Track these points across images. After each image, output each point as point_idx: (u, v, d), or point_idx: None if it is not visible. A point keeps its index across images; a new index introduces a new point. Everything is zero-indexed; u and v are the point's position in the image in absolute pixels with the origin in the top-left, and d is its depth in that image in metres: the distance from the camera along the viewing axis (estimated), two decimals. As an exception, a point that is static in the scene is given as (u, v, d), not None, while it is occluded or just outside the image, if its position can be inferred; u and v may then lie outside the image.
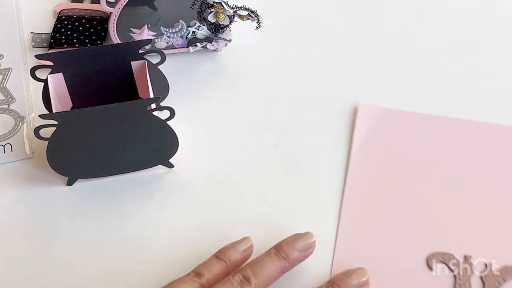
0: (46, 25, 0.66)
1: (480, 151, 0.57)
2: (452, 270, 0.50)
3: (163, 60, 0.56)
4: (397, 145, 0.58)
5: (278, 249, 0.49)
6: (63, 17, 0.66)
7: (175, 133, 0.54)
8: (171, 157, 0.56)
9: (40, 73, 0.54)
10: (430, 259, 0.51)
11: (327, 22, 0.68)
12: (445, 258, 0.51)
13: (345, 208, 0.54)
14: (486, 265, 0.51)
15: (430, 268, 0.51)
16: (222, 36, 0.62)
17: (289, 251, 0.48)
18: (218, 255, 0.49)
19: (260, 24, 0.60)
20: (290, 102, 0.61)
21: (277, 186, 0.55)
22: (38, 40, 0.65)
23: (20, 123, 0.59)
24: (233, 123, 0.60)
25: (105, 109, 0.51)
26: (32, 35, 0.65)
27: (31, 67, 0.54)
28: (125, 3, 0.59)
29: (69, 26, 0.65)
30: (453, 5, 0.70)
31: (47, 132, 0.52)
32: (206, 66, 0.64)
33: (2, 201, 0.56)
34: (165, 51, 0.57)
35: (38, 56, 0.54)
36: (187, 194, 0.55)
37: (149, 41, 0.56)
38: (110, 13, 0.60)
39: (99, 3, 0.60)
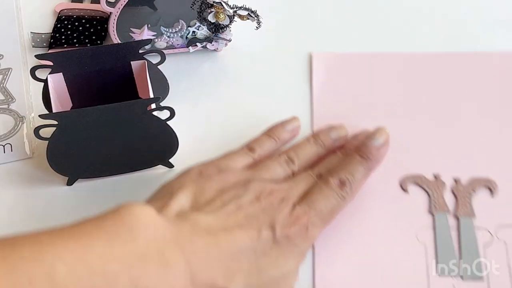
0: (46, 25, 0.66)
1: (438, 79, 0.61)
2: (425, 189, 0.54)
3: (163, 60, 0.56)
4: (356, 86, 0.61)
5: (316, 137, 0.54)
6: (63, 17, 0.66)
7: (175, 133, 0.54)
8: (171, 157, 0.56)
9: (40, 73, 0.54)
10: (404, 182, 0.55)
11: (327, 22, 0.67)
12: (417, 180, 0.55)
13: None
14: (455, 180, 0.55)
15: (405, 190, 0.54)
16: (222, 36, 0.62)
17: (325, 138, 0.54)
18: (269, 134, 0.54)
19: (260, 24, 0.60)
20: (289, 102, 0.61)
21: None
22: (38, 40, 0.65)
23: (20, 123, 0.59)
24: (233, 123, 0.60)
25: (105, 109, 0.51)
26: (32, 35, 0.65)
27: (31, 67, 0.54)
28: (125, 3, 0.59)
29: (69, 26, 0.65)
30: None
31: (47, 132, 0.52)
32: (206, 66, 0.63)
33: (2, 201, 0.56)
34: (165, 51, 0.57)
35: (38, 56, 0.54)
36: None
37: (149, 41, 0.56)
38: (110, 13, 0.60)
39: (99, 3, 0.60)
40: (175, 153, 0.56)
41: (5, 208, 0.56)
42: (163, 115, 0.53)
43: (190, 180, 0.49)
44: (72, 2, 0.68)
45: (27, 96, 0.61)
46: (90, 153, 0.54)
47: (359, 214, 0.53)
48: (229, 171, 0.50)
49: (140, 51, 0.55)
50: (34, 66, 0.53)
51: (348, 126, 0.56)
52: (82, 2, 0.67)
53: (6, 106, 0.60)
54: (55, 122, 0.51)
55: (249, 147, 0.53)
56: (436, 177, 0.55)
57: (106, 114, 0.51)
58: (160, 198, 0.48)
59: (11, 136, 0.59)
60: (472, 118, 0.59)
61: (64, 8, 0.67)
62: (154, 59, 0.56)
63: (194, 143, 0.58)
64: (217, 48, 0.63)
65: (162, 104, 0.55)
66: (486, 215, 0.53)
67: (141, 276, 0.40)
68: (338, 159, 0.53)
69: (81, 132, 0.52)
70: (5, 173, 0.57)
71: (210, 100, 0.61)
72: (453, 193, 0.54)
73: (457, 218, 0.53)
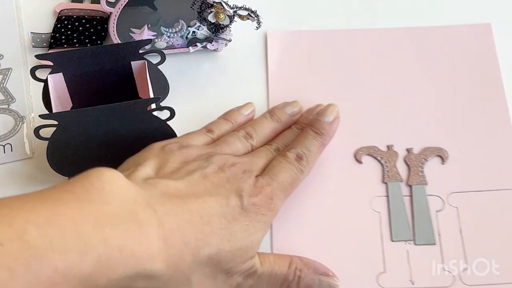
0: (46, 25, 0.66)
1: (388, 53, 0.63)
2: (378, 160, 0.57)
3: (163, 60, 0.56)
4: (309, 62, 0.63)
5: (272, 113, 0.57)
6: (63, 17, 0.66)
7: (175, 133, 0.54)
8: None
9: (40, 73, 0.54)
10: (358, 154, 0.57)
11: (327, 22, 0.67)
12: (370, 150, 0.57)
13: None
14: (407, 150, 0.57)
15: (359, 161, 0.57)
16: (222, 36, 0.62)
17: (280, 114, 0.57)
18: (226, 117, 0.57)
19: (260, 24, 0.60)
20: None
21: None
22: (38, 40, 0.65)
23: (20, 123, 0.59)
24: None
25: (105, 109, 0.51)
26: (32, 35, 0.65)
27: (31, 67, 0.54)
28: (125, 3, 0.59)
29: (69, 26, 0.65)
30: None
31: (47, 132, 0.52)
32: (206, 66, 0.63)
33: (2, 201, 0.56)
34: (165, 51, 0.57)
35: (38, 56, 0.54)
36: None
37: (149, 41, 0.56)
38: (110, 13, 0.60)
39: (99, 3, 0.60)
40: None
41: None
42: (163, 115, 0.53)
43: (153, 154, 0.50)
44: (72, 2, 0.68)
45: (27, 96, 0.61)
46: (90, 154, 0.54)
47: (316, 185, 0.55)
48: (191, 147, 0.52)
49: (140, 51, 0.55)
50: (34, 66, 0.53)
51: (303, 101, 0.58)
52: (82, 2, 0.67)
53: (6, 106, 0.60)
54: (55, 122, 0.51)
55: (208, 129, 0.55)
56: (388, 147, 0.57)
57: (106, 114, 0.51)
58: (126, 169, 0.48)
59: (11, 136, 0.59)
60: (422, 90, 0.61)
61: (64, 8, 0.67)
62: (154, 59, 0.56)
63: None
64: (217, 48, 0.63)
65: (162, 104, 0.54)
66: (438, 183, 0.55)
67: (114, 236, 0.40)
68: (294, 134, 0.56)
69: (81, 132, 0.52)
70: (5, 173, 0.57)
71: (210, 100, 0.61)
72: (406, 162, 0.57)
73: (409, 186, 0.55)
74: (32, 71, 0.54)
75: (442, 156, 0.57)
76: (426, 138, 0.58)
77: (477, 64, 0.62)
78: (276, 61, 0.63)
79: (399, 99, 0.60)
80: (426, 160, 0.56)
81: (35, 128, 0.52)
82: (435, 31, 0.64)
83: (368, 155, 0.57)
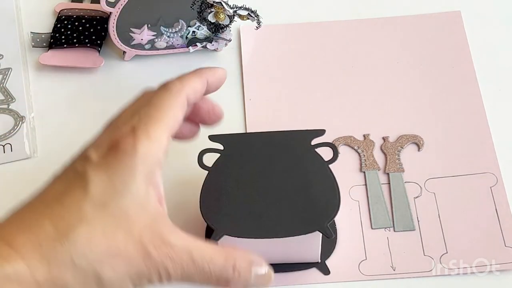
0: (46, 25, 0.66)
1: (361, 44, 0.63)
2: (355, 149, 0.57)
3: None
4: (283, 55, 0.63)
5: None
6: (63, 17, 0.66)
7: (335, 178, 0.48)
8: (330, 220, 0.46)
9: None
10: (335, 144, 0.57)
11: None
12: (347, 141, 0.58)
13: (249, 116, 0.60)
14: (384, 139, 0.58)
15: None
16: (222, 36, 0.62)
17: None
18: None
19: (260, 24, 0.60)
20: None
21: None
22: (38, 40, 0.65)
23: (20, 123, 0.59)
24: (233, 123, 0.60)
25: (269, 135, 0.49)
26: (32, 35, 0.65)
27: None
28: (125, 3, 0.59)
29: (69, 26, 0.65)
30: None
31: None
32: (206, 66, 0.63)
33: (2, 201, 0.56)
34: (165, 51, 0.56)
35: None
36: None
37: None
38: (110, 13, 0.60)
39: (99, 3, 0.60)
40: (335, 214, 0.47)
41: (5, 208, 0.55)
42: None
43: None
44: (72, 2, 0.68)
45: (27, 96, 0.61)
46: (245, 190, 0.48)
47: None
48: None
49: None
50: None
51: (278, 94, 0.60)
52: (82, 2, 0.67)
53: (6, 106, 0.61)
54: (220, 148, 0.49)
55: None
56: (365, 136, 0.58)
57: (269, 140, 0.49)
58: None
59: (11, 136, 0.59)
60: (396, 79, 0.61)
61: (64, 8, 0.67)
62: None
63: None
64: (217, 48, 0.63)
65: None
66: (415, 170, 0.56)
67: None
68: None
69: (244, 159, 0.49)
70: (5, 173, 0.57)
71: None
72: (382, 150, 0.57)
73: (387, 174, 0.56)
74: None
75: (417, 143, 0.57)
76: (401, 126, 0.58)
77: (449, 51, 0.62)
78: (249, 54, 0.63)
79: (373, 89, 0.61)
80: (402, 147, 0.57)
81: (200, 152, 0.49)
82: (406, 21, 0.65)
83: (345, 145, 0.58)
